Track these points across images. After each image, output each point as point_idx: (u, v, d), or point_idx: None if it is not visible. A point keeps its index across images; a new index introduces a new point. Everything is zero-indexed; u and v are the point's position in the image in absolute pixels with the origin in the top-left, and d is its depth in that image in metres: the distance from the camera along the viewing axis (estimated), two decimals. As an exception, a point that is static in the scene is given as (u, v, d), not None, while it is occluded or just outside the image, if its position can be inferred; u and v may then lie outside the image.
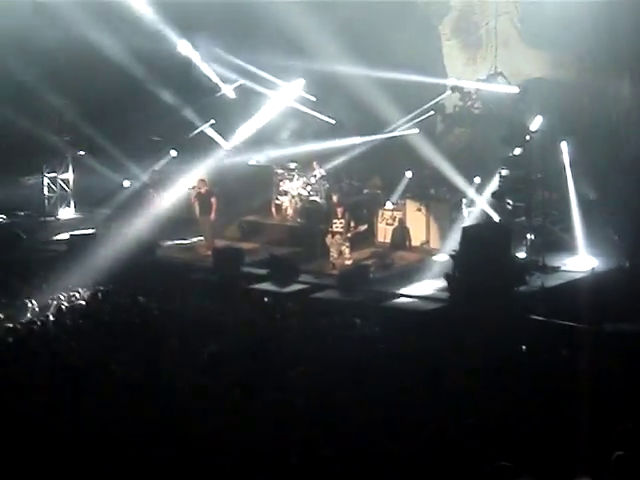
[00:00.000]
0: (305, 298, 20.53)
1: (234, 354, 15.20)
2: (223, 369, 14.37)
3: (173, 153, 27.00)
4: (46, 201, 27.81)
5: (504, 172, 22.14)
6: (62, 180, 27.98)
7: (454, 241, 22.03)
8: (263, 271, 22.17)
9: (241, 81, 26.35)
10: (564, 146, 22.68)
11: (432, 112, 24.95)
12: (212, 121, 26.53)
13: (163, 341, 15.90)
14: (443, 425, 11.55)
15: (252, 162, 27.21)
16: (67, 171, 28.06)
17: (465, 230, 20.98)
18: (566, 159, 22.72)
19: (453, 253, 20.64)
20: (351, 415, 12.25)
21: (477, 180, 23.75)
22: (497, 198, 22.46)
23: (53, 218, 27.41)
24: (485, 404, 12.76)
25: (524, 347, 16.41)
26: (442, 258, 22.14)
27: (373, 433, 11.53)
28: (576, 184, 22.98)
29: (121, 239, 23.64)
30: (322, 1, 24.87)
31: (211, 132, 26.68)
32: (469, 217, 23.47)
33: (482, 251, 19.89)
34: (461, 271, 20.02)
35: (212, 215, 24.11)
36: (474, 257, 19.83)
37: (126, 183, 26.90)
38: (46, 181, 27.79)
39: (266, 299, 19.74)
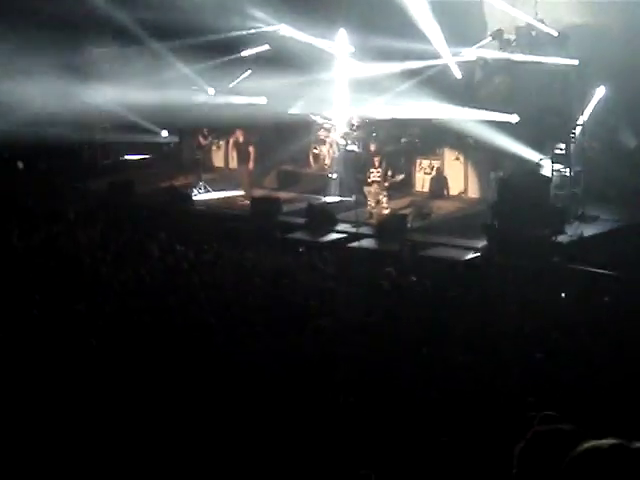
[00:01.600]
0: (342, 247, 20.57)
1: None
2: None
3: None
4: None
5: (544, 121, 21.93)
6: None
7: (492, 190, 21.97)
8: (301, 220, 22.19)
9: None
10: (602, 91, 22.40)
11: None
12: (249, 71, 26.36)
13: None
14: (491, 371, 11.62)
15: (291, 111, 27.10)
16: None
17: (503, 179, 20.87)
18: (604, 105, 22.46)
19: (491, 202, 20.56)
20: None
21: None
22: (536, 144, 22.25)
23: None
24: (528, 351, 12.78)
25: (563, 294, 16.40)
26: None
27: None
28: (617, 131, 22.73)
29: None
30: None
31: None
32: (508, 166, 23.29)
33: (521, 200, 19.78)
34: (500, 220, 19.94)
35: (250, 164, 24.12)
36: (513, 206, 19.74)
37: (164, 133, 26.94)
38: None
39: (301, 249, 19.79)
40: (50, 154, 25.68)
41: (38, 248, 18.63)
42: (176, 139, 27.41)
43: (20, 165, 25.82)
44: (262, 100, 26.35)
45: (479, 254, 19.73)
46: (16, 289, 15.29)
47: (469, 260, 19.62)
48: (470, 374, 11.67)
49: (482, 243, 20.12)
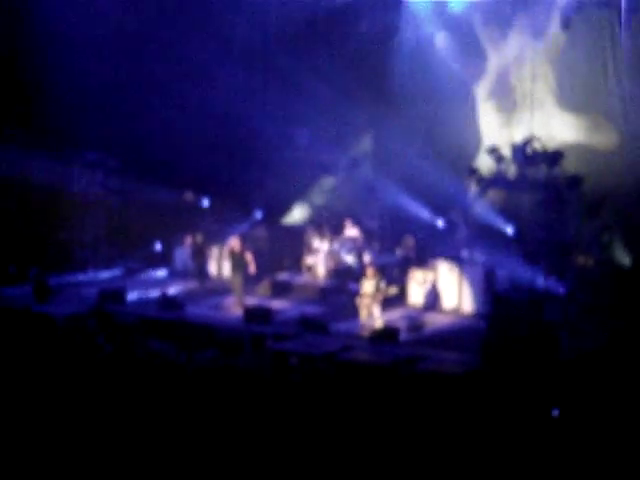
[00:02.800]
0: (334, 360, 20.35)
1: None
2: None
3: None
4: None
5: (539, 236, 21.99)
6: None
7: (487, 304, 21.88)
8: (292, 330, 22.03)
9: None
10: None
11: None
12: None
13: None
14: None
15: (285, 221, 27.36)
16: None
17: (497, 295, 20.78)
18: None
19: (486, 317, 20.44)
20: None
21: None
22: (531, 260, 22.25)
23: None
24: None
25: (556, 412, 16.22)
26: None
27: None
28: (612, 249, 22.79)
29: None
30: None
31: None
32: (502, 281, 23.27)
33: (515, 316, 19.67)
34: (494, 335, 19.79)
35: (248, 271, 24.09)
36: (507, 321, 19.62)
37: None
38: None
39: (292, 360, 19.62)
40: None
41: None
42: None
43: None
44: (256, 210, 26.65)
45: (473, 369, 19.52)
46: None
47: (463, 375, 19.40)
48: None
49: (476, 358, 19.92)
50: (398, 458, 13.28)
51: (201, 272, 25.49)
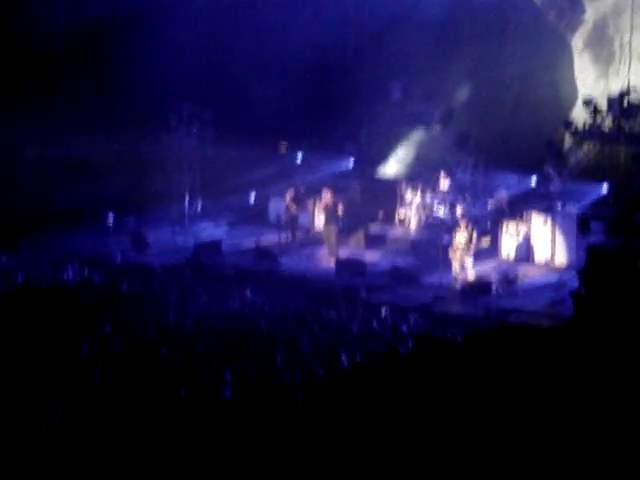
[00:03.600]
0: (426, 311, 20.49)
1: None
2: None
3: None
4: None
5: (634, 187, 21.72)
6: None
7: (581, 258, 21.73)
8: (386, 282, 22.21)
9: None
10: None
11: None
12: None
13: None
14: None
15: (378, 174, 27.47)
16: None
17: (592, 247, 20.61)
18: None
19: (580, 270, 20.32)
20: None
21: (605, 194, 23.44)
22: (626, 214, 21.99)
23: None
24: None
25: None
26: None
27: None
28: None
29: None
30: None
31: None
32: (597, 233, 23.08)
33: (609, 270, 19.51)
34: (588, 289, 19.68)
35: (338, 225, 24.27)
36: (601, 276, 19.48)
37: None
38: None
39: (383, 310, 19.79)
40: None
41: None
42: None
43: None
44: (350, 162, 26.73)
45: (567, 323, 19.48)
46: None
47: (555, 328, 19.39)
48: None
49: (569, 312, 19.87)
50: (494, 408, 13.41)
51: (294, 224, 25.71)
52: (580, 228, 23.39)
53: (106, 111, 26.64)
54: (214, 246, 24.82)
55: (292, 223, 25.75)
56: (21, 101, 26.52)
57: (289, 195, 25.92)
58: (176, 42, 26.90)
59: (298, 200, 26.02)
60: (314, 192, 25.96)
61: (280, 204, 26.40)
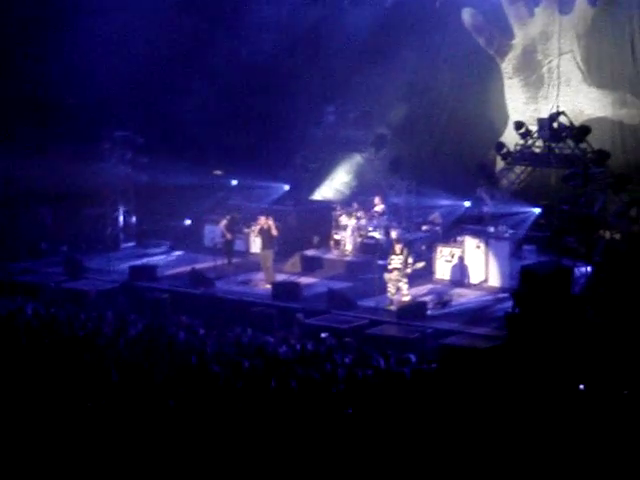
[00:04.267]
0: (362, 334, 20.58)
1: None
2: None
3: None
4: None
5: (565, 209, 22.10)
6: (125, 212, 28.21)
7: (514, 279, 22.00)
8: (322, 305, 22.27)
9: None
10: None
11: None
12: None
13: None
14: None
15: (313, 197, 27.63)
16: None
17: (525, 269, 20.89)
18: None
19: (513, 291, 20.58)
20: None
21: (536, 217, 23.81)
22: (557, 236, 22.36)
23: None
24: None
25: (581, 386, 16.32)
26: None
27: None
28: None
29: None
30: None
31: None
32: (529, 256, 23.43)
33: (542, 291, 19.79)
34: (521, 310, 19.92)
35: (274, 249, 24.34)
36: (534, 296, 19.74)
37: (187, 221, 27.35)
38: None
39: (323, 334, 19.84)
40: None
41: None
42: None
43: None
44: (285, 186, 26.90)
45: (500, 343, 19.69)
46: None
47: (490, 349, 19.58)
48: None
49: (503, 332, 20.09)
50: (426, 432, 13.49)
51: (230, 249, 25.71)
52: (513, 250, 23.73)
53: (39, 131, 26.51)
54: (149, 271, 24.72)
55: (228, 248, 25.75)
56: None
57: (225, 220, 25.94)
58: (104, 64, 26.83)
59: (234, 225, 26.06)
60: (250, 217, 26.00)
61: (215, 229, 26.41)
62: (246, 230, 26.38)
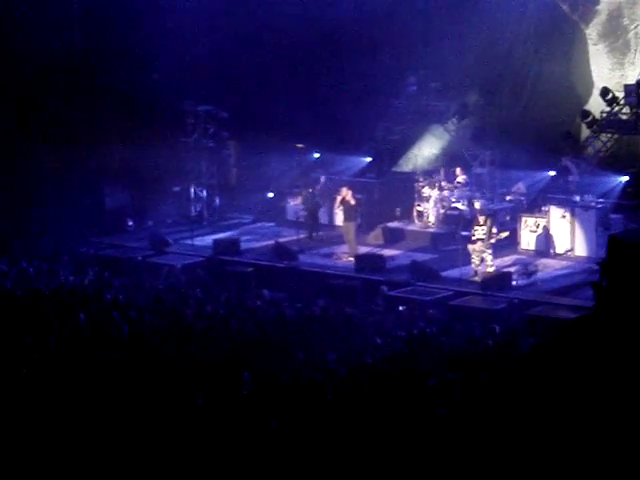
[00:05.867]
0: (447, 305, 20.47)
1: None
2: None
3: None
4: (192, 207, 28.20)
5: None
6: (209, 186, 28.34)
7: (601, 249, 21.66)
8: (405, 277, 22.20)
9: None
10: None
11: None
12: None
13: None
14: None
15: (395, 169, 27.50)
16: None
17: (612, 238, 20.51)
18: None
19: (600, 261, 20.23)
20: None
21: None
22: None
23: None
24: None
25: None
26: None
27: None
28: None
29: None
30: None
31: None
32: (616, 225, 23.03)
33: (631, 260, 19.40)
34: (609, 280, 19.58)
35: (356, 221, 24.30)
36: (623, 266, 19.37)
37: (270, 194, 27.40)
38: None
39: (401, 308, 19.74)
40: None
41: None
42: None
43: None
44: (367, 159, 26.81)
45: (587, 314, 19.40)
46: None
47: (577, 320, 19.32)
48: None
49: (590, 303, 19.78)
50: (512, 402, 13.38)
51: (311, 223, 25.72)
52: (600, 219, 23.35)
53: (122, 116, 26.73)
54: (233, 244, 24.86)
55: (309, 221, 25.76)
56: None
57: (300, 196, 25.96)
58: (188, 41, 26.97)
59: (312, 198, 26.00)
60: (332, 190, 25.97)
61: (298, 202, 26.44)
62: (329, 202, 26.29)
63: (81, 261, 23.53)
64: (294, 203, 26.69)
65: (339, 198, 24.54)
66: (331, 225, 26.58)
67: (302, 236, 25.21)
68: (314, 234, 25.64)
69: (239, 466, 11.80)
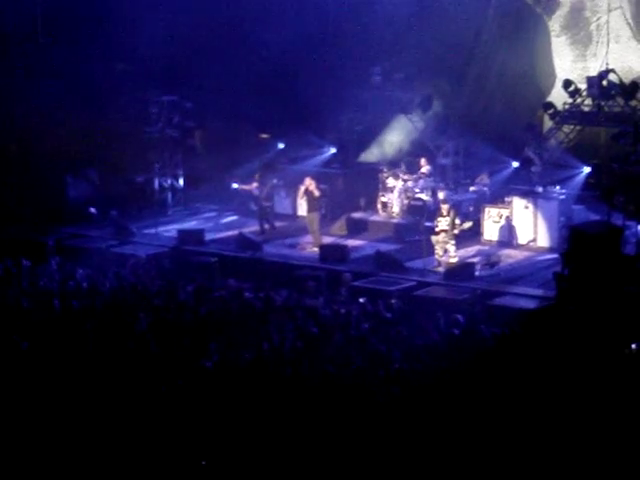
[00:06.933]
0: (410, 295, 20.56)
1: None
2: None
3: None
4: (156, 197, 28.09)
5: (614, 168, 21.83)
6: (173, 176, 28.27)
7: (562, 239, 21.86)
8: (369, 267, 22.25)
9: None
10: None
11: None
12: None
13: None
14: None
15: (359, 159, 27.54)
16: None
17: (574, 229, 20.72)
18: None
19: (562, 252, 20.41)
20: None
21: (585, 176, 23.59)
22: (607, 195, 22.10)
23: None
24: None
25: (633, 346, 16.21)
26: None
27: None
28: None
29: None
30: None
31: None
32: (578, 216, 23.22)
33: (592, 250, 19.60)
34: (570, 270, 19.77)
35: (320, 212, 24.33)
36: (584, 256, 19.56)
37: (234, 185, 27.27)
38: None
39: (361, 300, 19.79)
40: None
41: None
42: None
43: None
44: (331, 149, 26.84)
45: (549, 304, 19.58)
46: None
47: (539, 309, 19.49)
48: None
49: (552, 293, 19.96)
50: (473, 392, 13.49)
51: (261, 216, 25.62)
52: (561, 210, 23.53)
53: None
54: (196, 235, 24.81)
55: (262, 212, 25.66)
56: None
57: (254, 183, 25.87)
58: (153, 31, 26.82)
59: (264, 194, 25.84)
60: (296, 181, 25.95)
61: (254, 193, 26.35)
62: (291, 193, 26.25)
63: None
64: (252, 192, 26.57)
65: (302, 188, 24.53)
66: (294, 215, 26.59)
67: (267, 226, 25.24)
68: (266, 226, 25.54)
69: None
